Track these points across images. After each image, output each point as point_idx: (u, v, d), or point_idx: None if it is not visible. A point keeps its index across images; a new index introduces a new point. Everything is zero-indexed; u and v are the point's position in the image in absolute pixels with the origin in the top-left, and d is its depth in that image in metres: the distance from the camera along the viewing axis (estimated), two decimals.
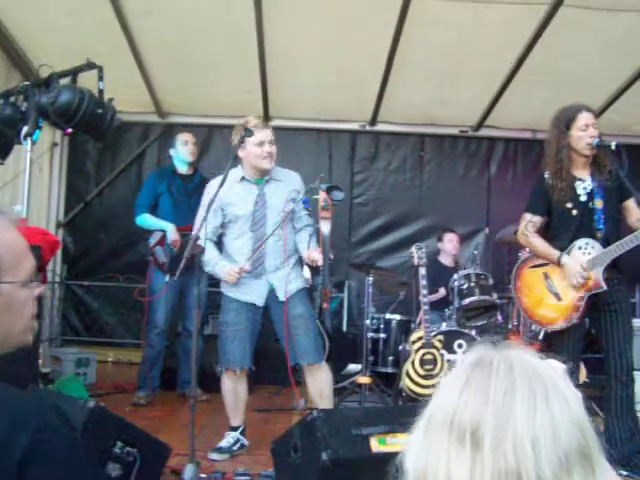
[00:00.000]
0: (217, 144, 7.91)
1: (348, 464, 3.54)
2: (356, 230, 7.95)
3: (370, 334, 6.25)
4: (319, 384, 4.59)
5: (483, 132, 7.91)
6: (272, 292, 4.53)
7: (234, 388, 4.59)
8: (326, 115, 7.66)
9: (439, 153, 8.07)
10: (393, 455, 3.40)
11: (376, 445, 3.62)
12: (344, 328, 7.72)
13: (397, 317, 6.72)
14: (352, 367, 7.06)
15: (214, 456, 4.45)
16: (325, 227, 4.29)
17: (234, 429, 4.65)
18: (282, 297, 4.49)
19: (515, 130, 7.87)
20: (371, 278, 6.17)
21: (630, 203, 4.43)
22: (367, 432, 3.64)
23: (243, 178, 4.54)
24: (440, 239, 7.23)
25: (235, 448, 4.58)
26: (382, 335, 6.62)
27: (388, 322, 6.69)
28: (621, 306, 4.35)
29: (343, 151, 8.00)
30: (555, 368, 1.04)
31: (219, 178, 4.32)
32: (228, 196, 4.46)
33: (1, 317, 1.42)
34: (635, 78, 6.58)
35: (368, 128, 7.86)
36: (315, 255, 4.35)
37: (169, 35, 6.25)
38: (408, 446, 1.05)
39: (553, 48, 6.16)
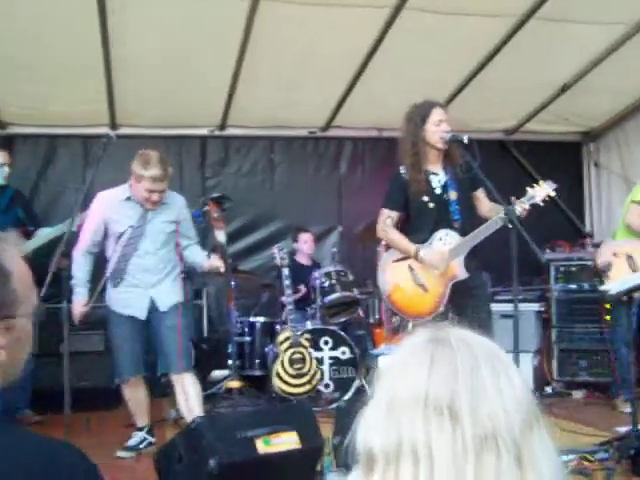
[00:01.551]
0: (62, 155, 7.61)
1: (235, 468, 3.53)
2: (211, 235, 7.87)
3: (235, 338, 6.24)
4: (187, 394, 4.75)
5: (331, 132, 8.06)
6: (153, 304, 4.73)
7: (133, 396, 4.86)
8: (174, 122, 7.56)
9: (289, 155, 8.15)
10: (279, 455, 3.43)
11: (262, 446, 3.64)
12: (205, 334, 7.64)
13: (261, 319, 6.74)
14: (217, 373, 7.00)
15: (122, 454, 4.72)
16: (221, 236, 4.53)
17: (140, 429, 4.92)
18: (163, 308, 4.73)
19: (362, 129, 8.07)
20: (234, 281, 6.15)
21: (480, 193, 4.68)
22: (252, 434, 3.65)
23: (129, 198, 4.69)
24: (295, 240, 7.32)
25: (142, 446, 4.85)
26: (247, 338, 6.62)
27: (252, 325, 6.69)
28: (482, 290, 4.59)
29: (193, 157, 7.92)
30: None
31: (109, 191, 4.63)
32: (112, 213, 4.66)
33: (14, 351, 1.37)
34: (472, 76, 6.92)
35: (217, 133, 7.82)
36: (217, 263, 4.77)
37: (7, 43, 5.95)
38: (366, 428, 1.08)
39: (397, 49, 6.37)
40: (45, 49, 6.10)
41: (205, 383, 6.74)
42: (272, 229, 7.96)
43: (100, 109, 7.14)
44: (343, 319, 6.50)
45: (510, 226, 4.10)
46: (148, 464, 4.47)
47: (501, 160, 8.28)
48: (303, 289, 6.74)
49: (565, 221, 8.39)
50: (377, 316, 6.51)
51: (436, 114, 4.53)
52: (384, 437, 1.04)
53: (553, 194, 4.33)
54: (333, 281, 6.35)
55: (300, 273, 6.70)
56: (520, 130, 8.27)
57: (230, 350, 6.07)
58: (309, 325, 6.11)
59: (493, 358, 1.07)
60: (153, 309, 4.72)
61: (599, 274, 5.65)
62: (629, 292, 4.20)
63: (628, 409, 5.56)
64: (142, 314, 4.72)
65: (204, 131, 7.80)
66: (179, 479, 3.60)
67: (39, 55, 6.17)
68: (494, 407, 1.01)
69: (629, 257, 5.59)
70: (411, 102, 4.81)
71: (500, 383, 1.04)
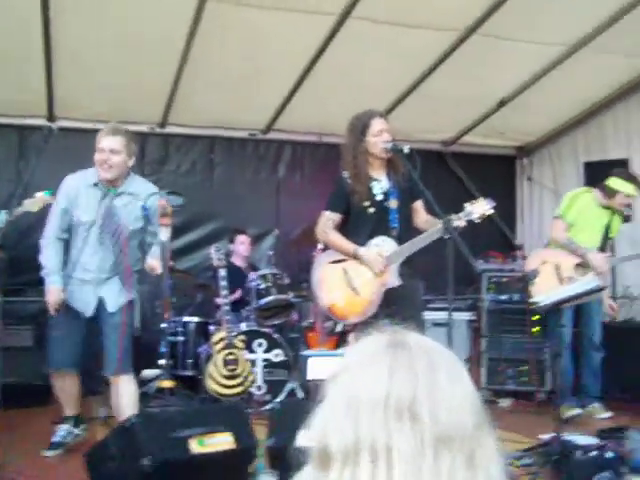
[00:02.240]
0: None
1: (169, 468, 3.52)
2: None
3: (168, 337, 6.17)
4: (121, 396, 4.64)
5: (272, 135, 8.08)
6: (101, 304, 4.56)
7: (61, 386, 4.73)
8: (115, 116, 7.41)
9: (229, 156, 8.13)
10: (213, 455, 3.45)
11: (196, 446, 3.64)
12: (137, 333, 7.55)
13: (195, 319, 6.70)
14: (147, 373, 6.92)
15: (48, 453, 4.60)
16: (164, 234, 4.28)
17: (67, 419, 4.80)
18: (111, 309, 4.56)
19: (302, 134, 8.11)
20: (170, 280, 6.10)
21: (418, 204, 4.76)
22: (186, 434, 3.65)
23: (96, 184, 4.51)
24: (232, 241, 7.31)
25: (68, 440, 4.74)
26: (180, 338, 6.58)
27: (186, 325, 6.65)
28: (417, 299, 4.67)
29: None
30: None
31: (77, 174, 4.44)
32: (76, 198, 4.47)
33: None
34: (414, 86, 7.04)
35: (158, 130, 7.76)
36: (153, 263, 4.50)
37: None
38: (322, 427, 1.10)
39: (341, 56, 6.44)
40: None
41: (138, 381, 6.70)
42: (209, 229, 7.93)
43: (38, 100, 7.00)
44: (277, 322, 6.52)
45: (447, 237, 4.18)
46: (75, 462, 4.40)
47: (438, 171, 8.42)
48: (238, 290, 6.73)
49: (497, 233, 8.57)
50: (311, 320, 6.55)
51: (376, 124, 4.58)
52: (342, 436, 1.06)
53: (491, 212, 4.41)
54: (269, 284, 6.36)
55: (235, 275, 6.69)
56: (458, 142, 8.44)
57: (162, 349, 6.00)
58: (244, 327, 6.11)
59: (448, 362, 1.12)
60: (101, 308, 4.56)
61: (526, 280, 5.83)
62: (557, 305, 4.34)
63: (575, 412, 5.78)
64: (88, 311, 4.56)
65: (144, 128, 7.71)
66: (112, 478, 3.57)
67: None
68: (451, 408, 1.05)
69: (557, 267, 5.78)
70: (353, 109, 4.85)
71: (455, 385, 1.08)
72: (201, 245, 7.75)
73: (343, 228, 4.72)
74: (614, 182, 5.89)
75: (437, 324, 6.36)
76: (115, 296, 4.58)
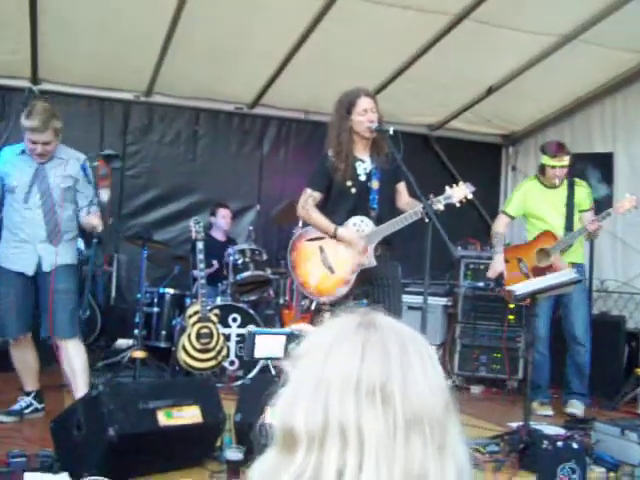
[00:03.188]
0: None
1: (135, 439, 3.50)
2: (128, 202, 7.74)
3: (144, 308, 6.16)
4: (71, 360, 4.61)
5: (258, 110, 8.02)
6: (39, 263, 4.54)
7: (20, 356, 4.70)
8: (100, 83, 7.38)
9: (214, 128, 8.06)
10: (180, 428, 3.44)
11: (163, 419, 3.63)
12: (112, 302, 7.53)
13: (171, 291, 6.69)
14: (121, 342, 6.92)
15: (2, 418, 4.56)
16: (104, 195, 4.37)
17: (27, 394, 4.75)
18: (47, 268, 4.52)
19: (289, 110, 8.06)
20: (145, 251, 6.07)
21: (401, 186, 4.74)
22: (154, 406, 3.64)
23: (23, 152, 4.53)
24: (213, 214, 7.28)
25: (27, 412, 4.71)
26: (155, 309, 6.56)
27: (162, 296, 6.63)
28: (393, 281, 4.65)
29: (116, 121, 7.74)
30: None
31: (8, 147, 4.50)
32: (7, 167, 4.50)
33: None
34: (403, 68, 7.00)
35: (143, 99, 7.67)
36: (94, 220, 4.52)
37: None
38: (288, 407, 1.08)
39: (330, 35, 6.38)
40: None
41: (109, 351, 6.69)
42: (190, 201, 7.89)
43: (22, 61, 6.91)
44: (253, 297, 6.51)
45: (427, 220, 4.16)
46: (31, 430, 4.50)
47: (423, 154, 8.42)
48: (215, 264, 6.71)
49: (479, 220, 8.59)
50: (287, 297, 6.54)
51: (362, 103, 4.53)
52: (309, 417, 1.04)
53: (470, 196, 4.40)
54: (247, 259, 6.33)
55: (214, 248, 6.66)
56: (444, 127, 8.42)
57: (136, 320, 5.99)
58: (219, 301, 6.09)
59: (418, 344, 1.10)
60: (39, 268, 4.54)
61: (498, 283, 5.87)
62: (532, 295, 4.34)
63: (547, 412, 5.77)
64: (29, 270, 4.53)
65: (129, 95, 7.64)
66: (77, 447, 3.55)
67: None
68: (423, 390, 1.05)
69: (519, 260, 5.81)
70: (341, 88, 4.79)
71: (426, 368, 1.07)
72: (181, 217, 7.71)
73: (323, 206, 4.70)
74: (542, 159, 5.92)
75: (412, 307, 6.36)
76: (52, 256, 4.53)
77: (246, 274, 6.30)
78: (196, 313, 5.69)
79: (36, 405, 4.77)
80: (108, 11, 6.12)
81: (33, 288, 4.61)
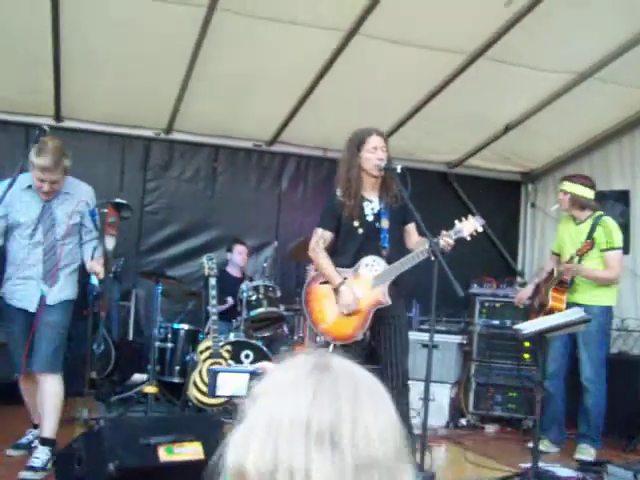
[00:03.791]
0: (1, 141, 7.47)
1: (135, 474, 3.51)
2: (146, 238, 7.83)
3: (157, 343, 6.19)
4: (44, 396, 4.54)
5: (276, 147, 8.10)
6: (42, 297, 4.55)
7: (28, 390, 4.71)
8: (121, 120, 7.51)
9: (232, 165, 8.15)
10: (181, 464, 3.42)
11: (164, 454, 3.63)
12: (130, 337, 7.58)
13: (185, 327, 6.71)
14: (137, 377, 6.94)
15: (11, 452, 4.59)
16: (109, 242, 4.33)
17: (35, 427, 4.76)
18: (49, 302, 4.54)
19: (307, 147, 8.13)
20: (160, 287, 6.12)
21: (410, 226, 4.75)
22: (155, 442, 3.64)
23: (29, 187, 4.52)
24: (229, 250, 7.33)
25: (34, 445, 4.64)
26: (169, 344, 6.58)
27: (176, 332, 6.65)
28: (400, 320, 4.64)
29: (136, 158, 7.86)
30: None
31: (6, 182, 4.31)
32: (13, 202, 4.46)
33: None
34: (420, 106, 7.03)
35: (163, 136, 7.79)
36: (97, 267, 4.51)
37: None
38: (239, 446, 1.08)
39: (347, 72, 6.44)
40: (3, 36, 6.03)
41: (124, 385, 6.71)
42: (208, 237, 7.94)
43: (46, 99, 7.06)
44: (267, 334, 6.51)
45: (433, 259, 4.16)
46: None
47: (442, 192, 8.43)
48: (230, 300, 6.73)
49: (498, 258, 8.56)
50: (301, 334, 6.53)
51: (372, 141, 4.57)
52: (259, 458, 1.03)
53: (480, 229, 4.38)
54: (260, 295, 6.36)
55: (230, 284, 6.70)
56: (463, 164, 8.42)
57: (151, 355, 6.02)
58: (232, 337, 6.11)
59: (372, 388, 1.10)
60: (42, 302, 4.55)
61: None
62: (540, 334, 4.30)
63: (551, 449, 5.67)
64: (32, 306, 4.54)
65: (149, 133, 7.76)
66: None
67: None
68: (373, 436, 1.03)
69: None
70: (358, 125, 4.84)
71: (378, 413, 1.06)
72: (200, 253, 7.69)
73: (334, 245, 4.71)
74: None
75: (425, 345, 6.31)
76: (56, 291, 4.57)
77: (259, 310, 6.32)
78: (207, 349, 5.70)
79: None
80: (128, 52, 6.23)
81: (32, 317, 4.59)
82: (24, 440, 4.75)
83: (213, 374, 2.03)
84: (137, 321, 7.65)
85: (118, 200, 4.59)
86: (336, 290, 4.53)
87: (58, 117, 7.33)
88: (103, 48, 6.21)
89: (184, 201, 7.93)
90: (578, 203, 5.81)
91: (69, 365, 5.69)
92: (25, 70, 6.57)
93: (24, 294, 4.56)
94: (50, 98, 7.03)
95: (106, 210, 4.40)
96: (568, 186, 5.84)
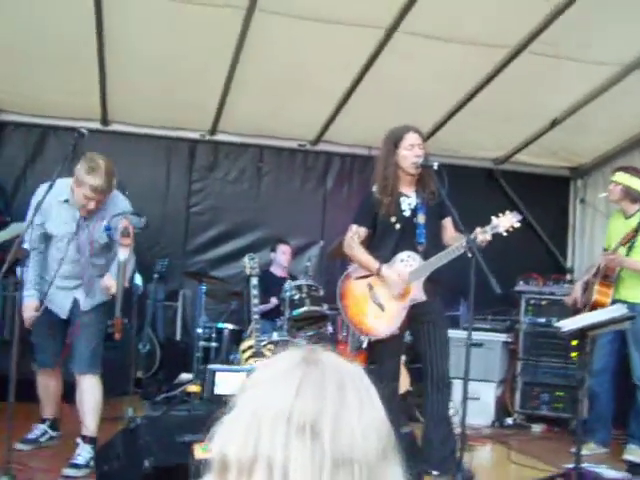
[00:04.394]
0: (51, 146, 7.64)
1: (171, 471, 3.55)
2: (192, 239, 7.92)
3: (202, 343, 6.25)
4: (83, 396, 4.64)
5: (321, 147, 8.10)
6: (76, 303, 4.66)
7: (45, 384, 4.85)
8: (166, 122, 7.61)
9: (277, 165, 8.18)
10: None
11: (199, 452, 3.65)
12: (177, 337, 7.67)
13: (229, 326, 6.76)
14: (184, 376, 7.01)
15: (20, 446, 4.65)
16: (122, 254, 4.28)
17: (43, 421, 4.92)
18: (84, 307, 4.65)
19: (351, 146, 8.10)
20: (204, 287, 6.17)
21: (447, 222, 4.72)
22: (190, 439, 3.67)
23: (67, 200, 4.55)
24: (273, 250, 7.36)
25: (42, 440, 4.87)
26: (214, 344, 6.64)
27: (220, 331, 6.71)
28: (437, 316, 4.60)
29: (182, 160, 7.95)
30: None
31: (45, 186, 4.32)
32: (49, 211, 4.51)
33: None
34: (464, 102, 6.96)
35: (208, 137, 7.86)
36: (108, 282, 4.48)
37: (10, 33, 6.02)
38: (224, 435, 1.09)
39: (389, 70, 6.40)
40: (46, 41, 6.16)
41: (171, 384, 6.79)
42: (253, 238, 7.99)
43: (93, 103, 7.19)
44: (310, 333, 6.52)
45: (470, 255, 4.12)
46: (46, 458, 4.64)
47: (488, 189, 8.32)
48: (274, 300, 6.76)
49: (547, 255, 8.41)
50: (344, 333, 6.52)
51: (409, 138, 4.56)
52: (241, 447, 1.05)
53: (517, 225, 4.32)
54: (303, 295, 6.37)
55: (273, 284, 6.73)
56: (509, 160, 8.30)
57: (196, 355, 6.09)
58: (275, 336, 6.13)
59: (359, 385, 1.10)
60: (75, 308, 4.66)
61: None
62: (582, 331, 4.20)
63: (595, 451, 5.53)
64: (63, 313, 4.67)
65: (195, 134, 7.85)
66: (115, 476, 3.63)
67: (40, 46, 6.21)
68: (355, 432, 1.03)
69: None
70: (401, 123, 4.84)
71: (363, 410, 1.06)
72: (245, 253, 7.66)
73: (370, 242, 4.71)
74: None
75: (471, 344, 6.24)
76: (89, 298, 4.68)
77: (302, 310, 6.33)
78: (250, 348, 5.73)
79: (51, 433, 4.93)
80: (171, 53, 6.30)
81: (65, 324, 4.74)
82: (32, 435, 4.86)
83: (211, 373, 2.04)
84: (184, 321, 7.73)
85: (133, 212, 4.55)
86: (378, 273, 4.52)
87: (105, 121, 7.46)
88: (147, 51, 6.29)
89: (229, 202, 7.99)
90: (630, 195, 5.68)
91: (115, 365, 5.81)
92: (72, 74, 6.69)
93: (57, 300, 4.67)
94: (97, 102, 7.16)
95: (121, 222, 4.36)
96: (621, 177, 5.71)
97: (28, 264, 4.42)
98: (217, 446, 1.09)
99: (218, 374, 1.85)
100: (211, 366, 3.02)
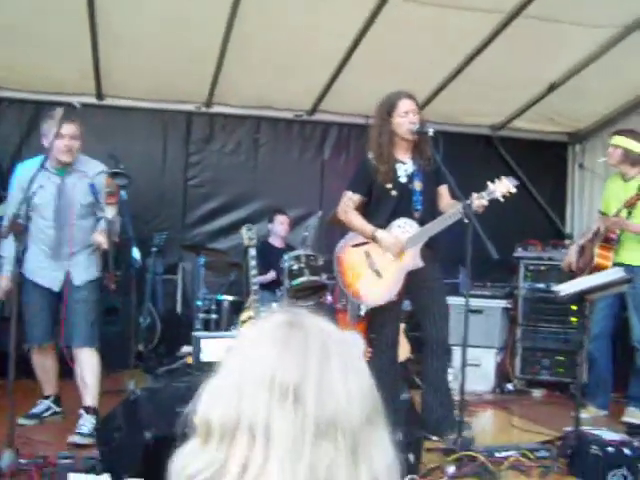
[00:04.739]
0: None
1: (171, 442, 3.55)
2: (190, 212, 7.89)
3: (202, 315, 6.27)
4: (83, 370, 4.69)
5: (317, 117, 8.05)
6: (68, 277, 4.67)
7: (41, 362, 4.87)
8: (161, 95, 7.55)
9: (274, 136, 8.13)
10: None
11: None
12: (178, 310, 7.68)
13: (229, 298, 6.77)
14: (186, 349, 7.02)
15: (23, 421, 4.71)
16: (110, 212, 4.36)
17: (45, 398, 4.96)
18: (77, 282, 4.66)
19: (348, 115, 8.04)
20: (203, 259, 6.17)
21: (443, 189, 4.70)
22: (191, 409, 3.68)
23: (45, 168, 4.56)
24: (271, 220, 7.34)
25: (46, 415, 4.93)
26: (213, 316, 6.65)
27: (220, 303, 6.72)
28: (436, 283, 4.61)
29: (178, 132, 7.90)
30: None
31: (25, 164, 4.54)
32: (30, 186, 4.43)
33: None
34: (460, 69, 6.91)
35: (204, 110, 7.81)
36: (99, 238, 4.52)
37: (9, 12, 5.97)
38: (208, 399, 1.10)
39: (384, 38, 6.34)
40: (38, 14, 6.09)
41: (173, 357, 6.82)
42: (252, 209, 7.96)
43: (87, 78, 7.13)
44: (309, 303, 6.52)
45: (466, 221, 4.12)
46: (48, 432, 4.68)
47: (486, 155, 8.29)
48: (272, 272, 6.76)
49: (546, 221, 8.40)
50: (344, 302, 6.53)
51: (403, 105, 4.53)
52: (224, 410, 1.05)
53: (514, 190, 4.32)
54: (302, 265, 6.36)
55: (272, 255, 6.73)
56: (507, 127, 8.26)
57: (196, 326, 6.11)
58: (274, 307, 6.14)
59: (344, 349, 1.09)
60: (68, 282, 4.66)
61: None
62: (580, 295, 4.21)
63: (594, 413, 5.56)
64: (56, 286, 4.68)
65: (190, 107, 7.79)
66: (117, 449, 3.64)
67: (33, 21, 6.15)
68: (339, 396, 1.03)
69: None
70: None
71: (348, 374, 1.06)
72: (244, 224, 7.76)
73: (366, 209, 4.70)
74: None
75: (470, 310, 6.26)
76: (83, 271, 4.69)
77: (301, 279, 6.32)
78: (250, 319, 5.74)
79: (55, 408, 4.97)
80: (163, 25, 6.24)
81: (56, 298, 4.74)
82: (36, 410, 4.90)
83: (197, 340, 2.04)
84: (184, 294, 7.74)
85: (114, 170, 4.61)
86: (374, 239, 4.52)
87: (100, 95, 7.41)
88: (140, 24, 6.23)
89: (227, 174, 7.96)
90: (629, 159, 5.64)
91: (115, 339, 5.83)
92: (65, 49, 6.62)
93: (47, 273, 4.67)
94: (91, 76, 7.10)
95: (103, 181, 4.45)
96: (619, 140, 5.68)
97: (4, 242, 4.54)
98: (201, 409, 1.10)
99: (203, 341, 1.85)
100: (196, 333, 3.03)
